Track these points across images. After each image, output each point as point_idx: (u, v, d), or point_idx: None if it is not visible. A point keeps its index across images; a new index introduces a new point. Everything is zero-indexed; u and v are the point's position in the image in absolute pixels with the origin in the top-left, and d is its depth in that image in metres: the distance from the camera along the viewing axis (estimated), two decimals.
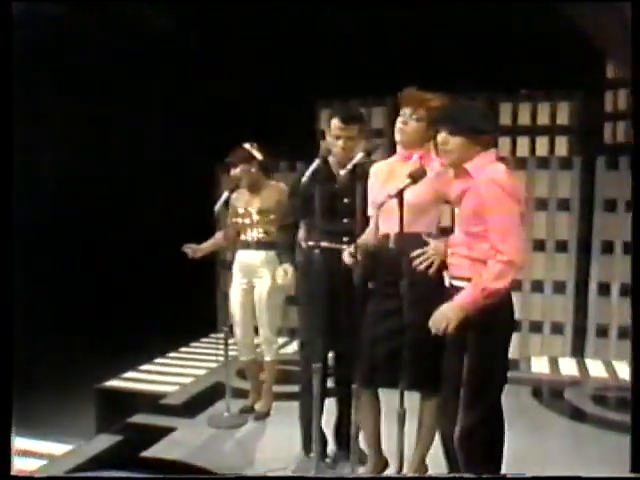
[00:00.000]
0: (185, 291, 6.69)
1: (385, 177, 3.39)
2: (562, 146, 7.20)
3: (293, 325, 7.38)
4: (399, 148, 3.38)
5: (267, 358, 4.88)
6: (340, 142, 3.63)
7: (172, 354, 6.67)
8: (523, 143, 7.27)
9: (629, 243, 6.24)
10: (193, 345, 7.08)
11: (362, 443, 3.56)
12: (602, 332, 6.56)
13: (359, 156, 3.26)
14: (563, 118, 7.20)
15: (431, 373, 3.29)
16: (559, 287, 6.63)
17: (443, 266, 3.25)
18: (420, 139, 3.29)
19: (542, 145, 7.23)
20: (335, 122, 3.64)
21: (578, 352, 6.63)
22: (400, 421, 2.99)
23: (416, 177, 2.93)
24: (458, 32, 6.91)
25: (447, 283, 3.09)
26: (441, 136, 2.94)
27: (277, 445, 4.37)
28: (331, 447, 4.04)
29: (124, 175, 6.66)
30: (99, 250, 6.50)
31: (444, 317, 2.87)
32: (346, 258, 3.34)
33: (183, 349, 6.90)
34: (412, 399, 3.13)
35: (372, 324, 3.38)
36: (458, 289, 2.93)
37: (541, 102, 7.25)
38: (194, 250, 4.81)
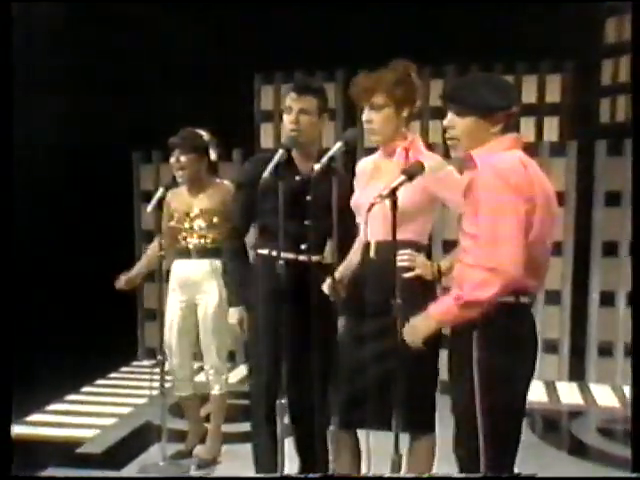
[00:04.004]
0: (98, 309, 6.52)
1: (369, 176, 3.40)
2: (553, 129, 7.27)
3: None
4: (379, 146, 3.41)
5: (215, 392, 4.75)
6: (292, 116, 3.61)
7: (87, 389, 6.51)
8: None
9: None
10: (112, 377, 6.95)
11: None
12: (606, 351, 6.67)
13: (337, 146, 3.22)
14: (553, 95, 7.27)
15: (423, 408, 3.30)
16: (553, 297, 6.69)
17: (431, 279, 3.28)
18: (394, 128, 3.32)
19: (528, 128, 7.26)
20: (290, 94, 3.66)
21: (577, 375, 6.73)
22: (395, 469, 2.94)
23: (413, 173, 2.88)
24: None
25: None
26: (447, 119, 2.89)
27: None
28: None
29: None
30: None
31: (412, 328, 2.89)
32: (326, 289, 3.39)
33: (100, 382, 6.75)
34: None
35: (350, 351, 3.37)
36: None
37: (526, 75, 7.28)
38: (126, 281, 4.79)
